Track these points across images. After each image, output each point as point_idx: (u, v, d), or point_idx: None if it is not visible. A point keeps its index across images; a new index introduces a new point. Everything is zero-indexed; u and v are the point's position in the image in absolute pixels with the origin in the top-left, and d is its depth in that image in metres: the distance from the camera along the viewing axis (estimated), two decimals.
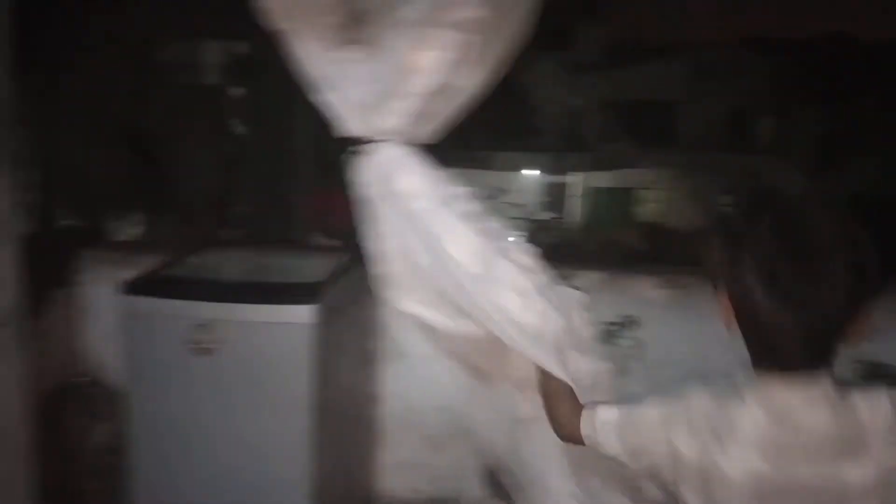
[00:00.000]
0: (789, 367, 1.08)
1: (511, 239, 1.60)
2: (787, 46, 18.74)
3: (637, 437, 1.26)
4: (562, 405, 1.45)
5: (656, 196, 20.97)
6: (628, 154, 20.27)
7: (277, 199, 6.25)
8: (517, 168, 21.43)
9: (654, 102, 20.38)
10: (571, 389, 1.44)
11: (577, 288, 1.60)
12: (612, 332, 2.84)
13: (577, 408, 1.40)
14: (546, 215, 19.71)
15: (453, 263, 1.49)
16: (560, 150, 20.74)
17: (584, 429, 1.34)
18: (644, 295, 2.96)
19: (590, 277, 2.98)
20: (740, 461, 1.10)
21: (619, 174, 20.86)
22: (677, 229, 16.98)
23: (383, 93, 1.52)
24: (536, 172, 21.70)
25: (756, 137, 20.35)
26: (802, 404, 1.07)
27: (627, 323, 2.84)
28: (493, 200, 18.32)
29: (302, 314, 2.13)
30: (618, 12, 21.12)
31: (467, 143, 18.45)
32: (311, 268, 2.52)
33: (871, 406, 1.07)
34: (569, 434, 1.41)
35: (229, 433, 2.23)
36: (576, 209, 21.18)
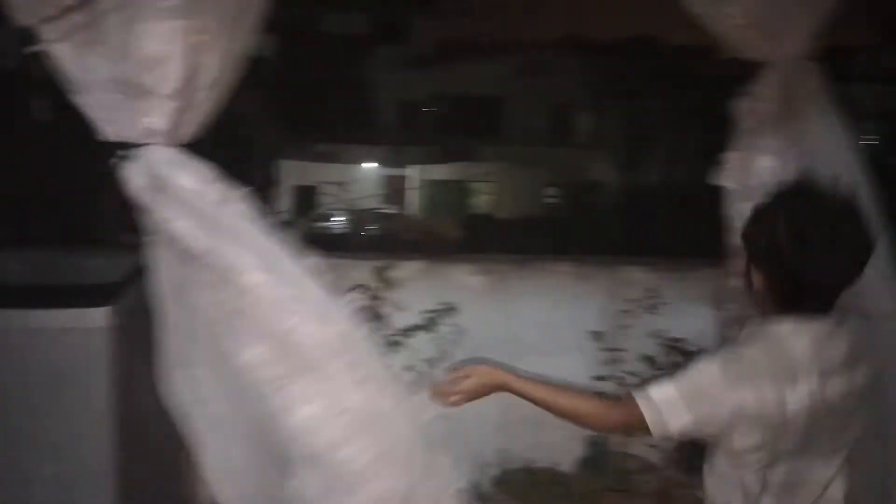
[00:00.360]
0: (813, 310, 1.44)
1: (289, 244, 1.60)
2: (601, 47, 20.15)
3: (705, 401, 1.41)
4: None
5: (486, 188, 21.78)
6: (460, 147, 20.86)
7: (82, 193, 5.74)
8: (357, 161, 21.34)
9: (483, 98, 21.07)
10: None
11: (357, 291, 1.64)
12: (432, 320, 2.90)
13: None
14: (381, 207, 19.81)
15: (235, 270, 1.48)
16: (398, 143, 20.91)
17: (649, 415, 1.41)
18: (462, 282, 3.07)
19: (412, 267, 3.03)
20: (802, 388, 1.39)
21: (453, 167, 21.41)
22: (501, 219, 17.80)
23: (130, 92, 1.46)
24: (375, 165, 21.74)
25: (576, 132, 21.70)
26: (830, 332, 1.45)
27: (447, 310, 2.91)
28: (332, 193, 18.17)
29: (95, 318, 1.98)
30: (449, 10, 21.59)
31: (306, 137, 18.14)
32: (113, 267, 2.34)
33: (858, 330, 1.48)
34: (610, 424, 1.54)
35: (17, 453, 2.02)
36: (411, 201, 21.47)
